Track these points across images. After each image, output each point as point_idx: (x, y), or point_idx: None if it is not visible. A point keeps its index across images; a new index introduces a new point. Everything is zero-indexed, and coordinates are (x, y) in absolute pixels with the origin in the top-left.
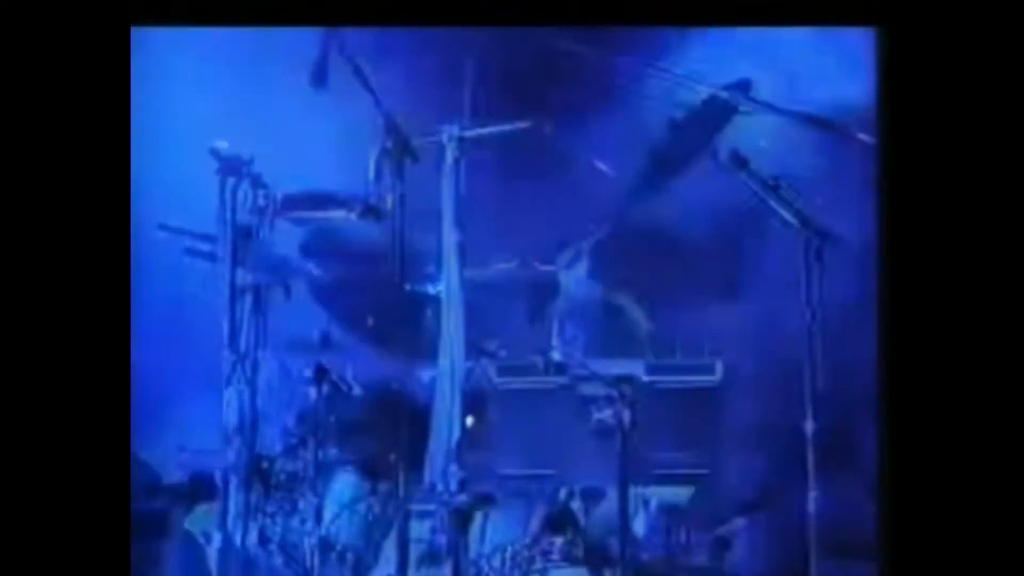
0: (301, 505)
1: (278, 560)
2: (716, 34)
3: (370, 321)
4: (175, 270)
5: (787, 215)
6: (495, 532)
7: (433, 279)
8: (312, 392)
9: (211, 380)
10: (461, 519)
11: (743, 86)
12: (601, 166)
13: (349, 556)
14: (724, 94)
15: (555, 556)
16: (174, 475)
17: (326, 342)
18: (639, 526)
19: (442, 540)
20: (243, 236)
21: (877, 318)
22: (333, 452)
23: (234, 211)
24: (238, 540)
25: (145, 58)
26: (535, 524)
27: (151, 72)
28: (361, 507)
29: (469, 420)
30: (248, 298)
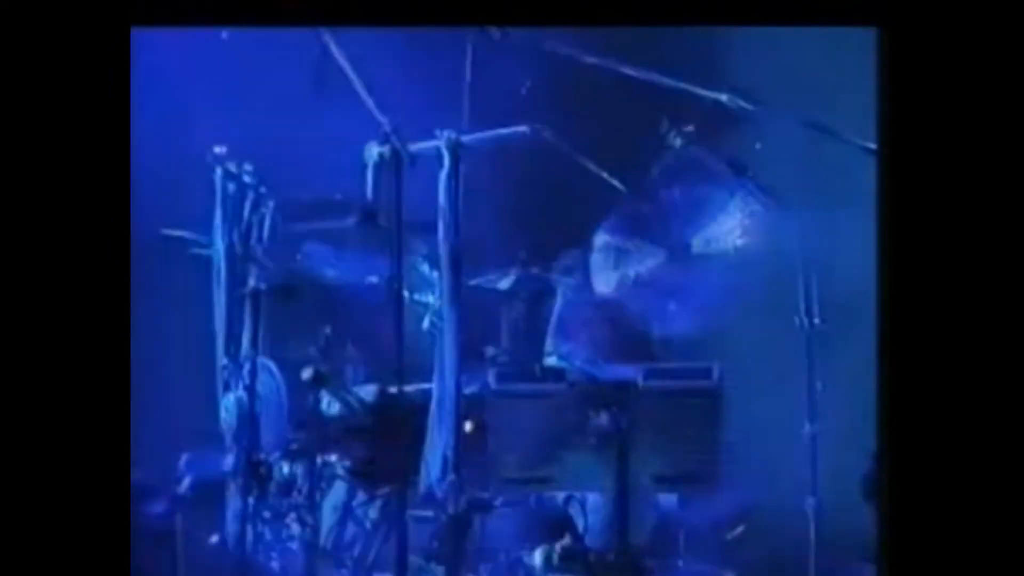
0: (299, 511)
1: (276, 566)
2: (716, 34)
3: (368, 327)
4: (175, 274)
5: (784, 218)
6: (493, 538)
7: (431, 285)
8: (310, 398)
9: (210, 385)
10: (459, 525)
11: (743, 90)
12: (599, 172)
13: (347, 562)
14: (723, 98)
15: (553, 561)
16: (173, 480)
17: (324, 348)
18: (637, 530)
19: (440, 546)
20: (242, 241)
21: (877, 321)
22: (331, 458)
23: (233, 216)
24: (237, 545)
25: (145, 58)
26: (533, 529)
27: (151, 73)
28: (359, 513)
29: (467, 426)
30: (247, 304)
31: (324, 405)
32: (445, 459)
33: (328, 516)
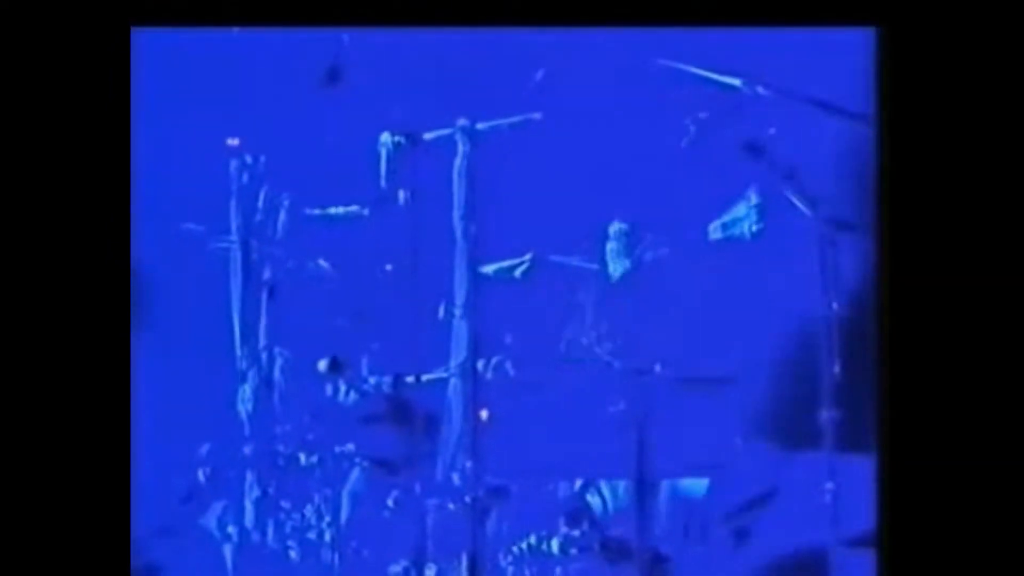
0: (317, 500)
1: (295, 555)
2: (715, 34)
3: (384, 315)
4: (191, 266)
5: (801, 204)
6: (511, 525)
7: (447, 272)
8: (327, 387)
9: (226, 376)
10: (477, 512)
11: (752, 77)
12: (611, 158)
13: (365, 551)
14: (735, 82)
15: (571, 549)
16: (190, 471)
17: (340, 337)
18: (655, 517)
19: (458, 534)
20: (255, 233)
21: (876, 315)
22: (348, 447)
23: (245, 209)
24: (255, 536)
25: (145, 58)
26: (551, 517)
27: (152, 73)
28: (376, 501)
29: (484, 413)
30: (262, 295)
31: (340, 394)
32: (462, 447)
33: (346, 505)
